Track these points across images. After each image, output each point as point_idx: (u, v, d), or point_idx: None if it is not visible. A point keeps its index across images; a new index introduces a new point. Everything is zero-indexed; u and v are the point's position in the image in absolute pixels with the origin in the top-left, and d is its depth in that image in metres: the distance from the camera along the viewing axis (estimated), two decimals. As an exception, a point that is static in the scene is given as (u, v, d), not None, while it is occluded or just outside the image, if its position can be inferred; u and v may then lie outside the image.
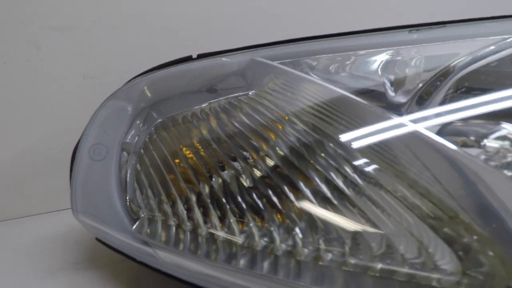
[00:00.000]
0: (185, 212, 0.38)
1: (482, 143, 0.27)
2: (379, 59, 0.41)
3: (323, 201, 0.33)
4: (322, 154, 0.34)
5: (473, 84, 0.37)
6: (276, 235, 0.35)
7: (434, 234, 0.29)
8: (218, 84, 0.44)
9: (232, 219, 0.36)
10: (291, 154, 0.35)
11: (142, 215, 0.41)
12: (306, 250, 0.34)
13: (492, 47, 0.35)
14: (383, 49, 0.42)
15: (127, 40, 0.59)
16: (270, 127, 0.37)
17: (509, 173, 0.25)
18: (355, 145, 0.33)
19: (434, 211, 0.28)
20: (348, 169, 0.33)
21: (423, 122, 0.33)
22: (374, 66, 0.41)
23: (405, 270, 0.31)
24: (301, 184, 0.34)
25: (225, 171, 0.38)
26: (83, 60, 0.58)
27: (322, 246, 0.34)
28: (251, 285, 0.33)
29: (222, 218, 0.37)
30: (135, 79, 0.45)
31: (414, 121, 0.32)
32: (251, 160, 0.37)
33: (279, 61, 0.39)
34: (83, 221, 0.40)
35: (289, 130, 0.36)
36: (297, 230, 0.34)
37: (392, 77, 0.39)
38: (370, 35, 0.43)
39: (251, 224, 0.35)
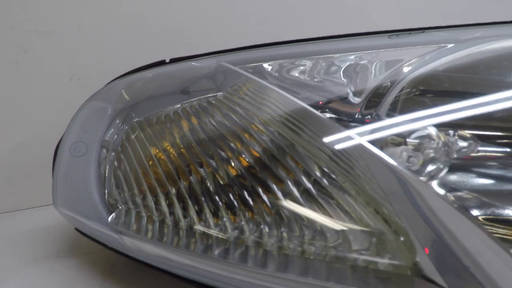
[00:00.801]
0: (154, 204, 0.41)
1: (407, 140, 0.30)
2: (342, 64, 0.44)
3: (290, 199, 0.36)
4: (291, 157, 0.37)
5: (423, 87, 0.40)
6: (246, 228, 0.38)
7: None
8: (190, 86, 0.47)
9: (192, 211, 0.39)
10: (263, 155, 0.38)
11: (120, 207, 0.44)
12: (271, 241, 0.37)
13: (434, 53, 0.38)
14: (348, 53, 0.45)
15: (110, 43, 0.63)
16: (236, 129, 0.41)
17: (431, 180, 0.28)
18: (315, 153, 0.36)
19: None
20: (316, 171, 0.36)
21: (369, 135, 0.35)
22: (335, 70, 0.44)
23: (354, 255, 0.35)
24: (272, 184, 0.37)
25: (190, 171, 0.41)
26: (69, 62, 0.62)
27: (285, 237, 0.37)
28: (209, 268, 0.37)
29: (185, 209, 0.40)
30: (114, 81, 0.48)
31: (360, 134, 0.35)
32: (218, 161, 0.40)
33: (242, 66, 0.43)
34: (63, 213, 0.44)
35: (256, 134, 0.39)
36: (265, 224, 0.37)
37: (349, 81, 0.42)
38: (343, 40, 0.46)
39: (207, 215, 0.38)
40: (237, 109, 0.41)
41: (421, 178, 0.29)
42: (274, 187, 0.37)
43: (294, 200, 0.36)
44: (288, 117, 0.39)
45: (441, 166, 0.29)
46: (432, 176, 0.29)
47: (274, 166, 0.37)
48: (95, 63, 0.63)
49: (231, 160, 0.39)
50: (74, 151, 0.46)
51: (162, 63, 0.46)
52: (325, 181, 0.35)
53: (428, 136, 0.30)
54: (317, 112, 0.37)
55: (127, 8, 0.63)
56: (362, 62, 0.44)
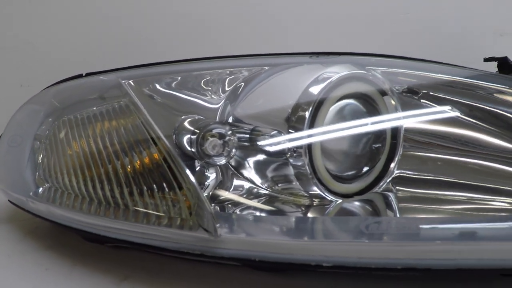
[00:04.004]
0: (69, 183, 0.56)
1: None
2: (219, 77, 0.58)
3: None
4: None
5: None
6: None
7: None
8: (105, 93, 0.61)
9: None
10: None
11: (45, 185, 0.58)
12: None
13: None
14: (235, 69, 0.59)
15: (56, 55, 0.77)
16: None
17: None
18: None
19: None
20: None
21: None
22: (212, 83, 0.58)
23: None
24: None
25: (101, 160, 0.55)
26: (20, 72, 0.76)
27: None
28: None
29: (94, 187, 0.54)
30: (46, 88, 0.63)
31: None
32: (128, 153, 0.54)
33: (135, 80, 0.57)
34: (2, 189, 0.58)
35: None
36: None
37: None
38: (250, 58, 0.60)
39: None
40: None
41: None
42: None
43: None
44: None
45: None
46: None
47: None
48: (44, 72, 0.77)
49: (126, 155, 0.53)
50: (11, 142, 0.60)
51: (80, 76, 0.61)
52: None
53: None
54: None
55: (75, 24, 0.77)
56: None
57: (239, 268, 0.40)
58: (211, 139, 0.47)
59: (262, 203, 0.49)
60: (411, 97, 0.54)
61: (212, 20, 0.87)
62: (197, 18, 0.85)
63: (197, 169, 0.53)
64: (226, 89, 0.56)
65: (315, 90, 0.44)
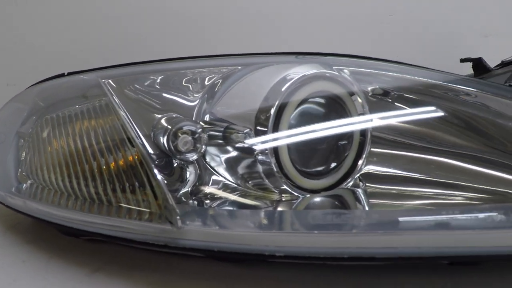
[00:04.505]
0: (48, 179, 0.57)
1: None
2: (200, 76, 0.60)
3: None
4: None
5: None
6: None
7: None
8: (87, 92, 0.63)
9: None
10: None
11: (28, 182, 0.60)
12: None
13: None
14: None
15: (43, 55, 0.79)
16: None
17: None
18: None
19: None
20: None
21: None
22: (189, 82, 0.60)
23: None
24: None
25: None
26: (6, 71, 0.78)
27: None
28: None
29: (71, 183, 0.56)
30: (30, 87, 0.64)
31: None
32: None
33: (115, 79, 0.58)
34: (-16, 185, 0.60)
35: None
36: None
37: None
38: (234, 57, 0.62)
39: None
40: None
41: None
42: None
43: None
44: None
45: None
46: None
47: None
48: (30, 71, 0.79)
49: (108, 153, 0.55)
50: (-5, 140, 0.62)
51: (62, 75, 0.63)
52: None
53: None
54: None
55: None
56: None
57: (206, 260, 0.42)
58: (182, 136, 0.48)
59: (235, 198, 0.51)
60: (382, 98, 0.55)
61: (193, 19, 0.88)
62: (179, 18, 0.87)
63: (175, 165, 0.55)
64: (204, 87, 0.58)
65: (281, 89, 0.46)
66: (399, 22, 1.11)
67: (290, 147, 0.48)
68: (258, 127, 0.47)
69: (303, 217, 0.41)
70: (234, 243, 0.36)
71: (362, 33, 1.07)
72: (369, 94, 0.53)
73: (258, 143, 0.47)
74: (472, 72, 0.75)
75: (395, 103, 0.55)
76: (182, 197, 0.53)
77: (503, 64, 0.70)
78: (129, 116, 0.52)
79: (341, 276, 0.41)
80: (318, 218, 0.36)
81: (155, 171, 0.44)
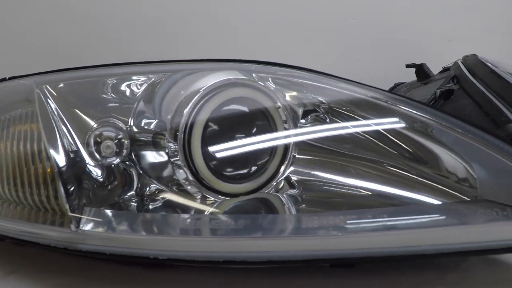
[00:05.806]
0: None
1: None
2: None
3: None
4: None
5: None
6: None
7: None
8: (30, 96, 0.64)
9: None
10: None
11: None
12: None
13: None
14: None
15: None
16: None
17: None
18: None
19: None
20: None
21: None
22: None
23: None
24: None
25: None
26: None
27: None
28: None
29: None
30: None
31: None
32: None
33: (52, 84, 0.60)
34: None
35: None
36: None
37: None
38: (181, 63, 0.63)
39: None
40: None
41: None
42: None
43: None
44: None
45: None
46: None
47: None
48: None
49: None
50: None
51: (4, 79, 0.64)
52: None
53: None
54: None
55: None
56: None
57: (113, 262, 0.43)
58: (104, 141, 0.50)
59: (156, 202, 0.52)
60: (314, 109, 0.56)
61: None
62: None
63: (115, 170, 0.56)
64: (141, 92, 0.59)
65: (193, 97, 0.48)
66: (361, 28, 1.13)
67: (207, 152, 0.49)
68: (176, 132, 0.49)
69: (175, 222, 0.42)
70: (122, 247, 0.37)
71: (324, 37, 1.08)
72: (293, 103, 0.54)
73: (176, 148, 0.49)
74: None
75: (317, 110, 0.56)
76: (126, 201, 0.55)
77: (443, 70, 0.71)
78: (56, 124, 0.54)
79: (246, 278, 0.43)
80: (187, 223, 0.38)
81: (59, 184, 0.45)
